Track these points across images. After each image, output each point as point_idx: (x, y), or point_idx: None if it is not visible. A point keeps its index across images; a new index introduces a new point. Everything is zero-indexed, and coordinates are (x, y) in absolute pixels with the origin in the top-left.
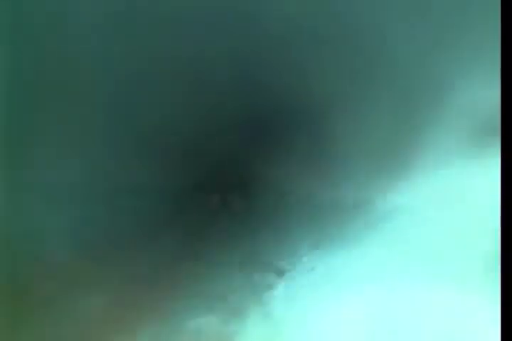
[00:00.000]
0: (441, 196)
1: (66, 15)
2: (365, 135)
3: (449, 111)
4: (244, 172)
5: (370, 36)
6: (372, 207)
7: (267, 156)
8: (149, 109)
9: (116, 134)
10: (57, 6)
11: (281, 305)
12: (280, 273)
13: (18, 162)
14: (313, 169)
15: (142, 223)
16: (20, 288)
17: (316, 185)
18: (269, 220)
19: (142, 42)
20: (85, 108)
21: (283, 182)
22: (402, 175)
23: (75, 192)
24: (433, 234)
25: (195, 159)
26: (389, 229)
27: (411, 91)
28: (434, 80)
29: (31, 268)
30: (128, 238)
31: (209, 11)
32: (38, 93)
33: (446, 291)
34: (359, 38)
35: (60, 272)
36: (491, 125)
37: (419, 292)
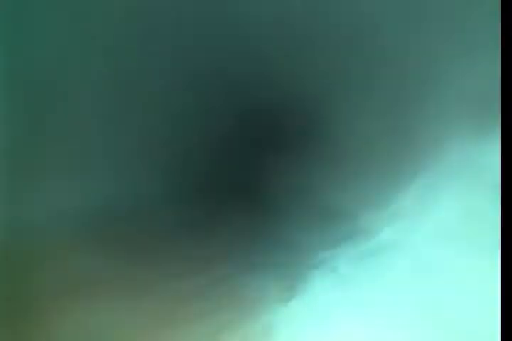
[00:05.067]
0: (446, 176)
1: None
2: (364, 126)
3: (449, 94)
4: (246, 173)
5: (361, 26)
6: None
7: (267, 157)
8: (151, 113)
9: (115, 138)
10: (53, 10)
11: None
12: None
13: (21, 172)
14: (315, 169)
15: (146, 227)
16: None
17: (318, 186)
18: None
19: (141, 51)
20: (85, 116)
21: (286, 184)
22: (406, 164)
23: (77, 202)
24: (438, 211)
25: (196, 163)
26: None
27: (408, 78)
28: (431, 63)
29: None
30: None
31: (204, 12)
32: (38, 99)
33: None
34: (349, 30)
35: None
36: (492, 105)
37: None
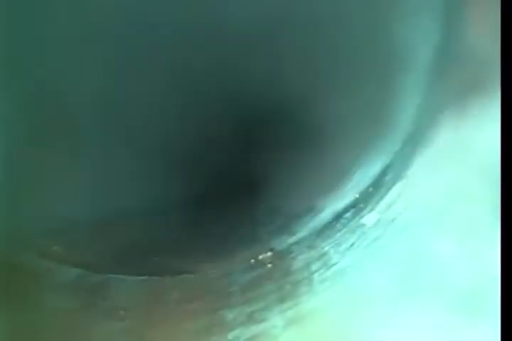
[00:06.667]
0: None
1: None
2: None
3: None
4: (245, 173)
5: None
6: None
7: (264, 155)
8: (146, 121)
9: (115, 144)
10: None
11: None
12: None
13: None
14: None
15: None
16: None
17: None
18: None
19: (140, 53)
20: (85, 123)
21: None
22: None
23: (79, 213)
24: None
25: (198, 167)
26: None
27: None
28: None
29: None
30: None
31: (182, 15)
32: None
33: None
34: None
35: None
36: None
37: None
